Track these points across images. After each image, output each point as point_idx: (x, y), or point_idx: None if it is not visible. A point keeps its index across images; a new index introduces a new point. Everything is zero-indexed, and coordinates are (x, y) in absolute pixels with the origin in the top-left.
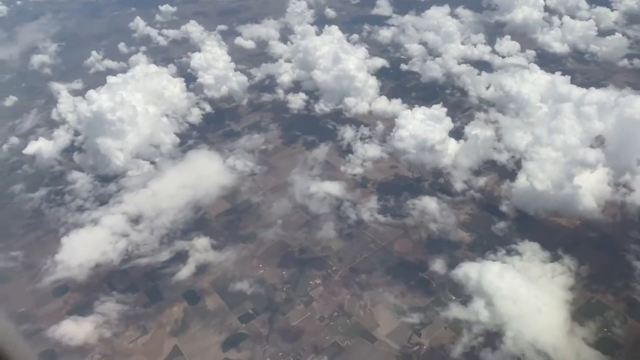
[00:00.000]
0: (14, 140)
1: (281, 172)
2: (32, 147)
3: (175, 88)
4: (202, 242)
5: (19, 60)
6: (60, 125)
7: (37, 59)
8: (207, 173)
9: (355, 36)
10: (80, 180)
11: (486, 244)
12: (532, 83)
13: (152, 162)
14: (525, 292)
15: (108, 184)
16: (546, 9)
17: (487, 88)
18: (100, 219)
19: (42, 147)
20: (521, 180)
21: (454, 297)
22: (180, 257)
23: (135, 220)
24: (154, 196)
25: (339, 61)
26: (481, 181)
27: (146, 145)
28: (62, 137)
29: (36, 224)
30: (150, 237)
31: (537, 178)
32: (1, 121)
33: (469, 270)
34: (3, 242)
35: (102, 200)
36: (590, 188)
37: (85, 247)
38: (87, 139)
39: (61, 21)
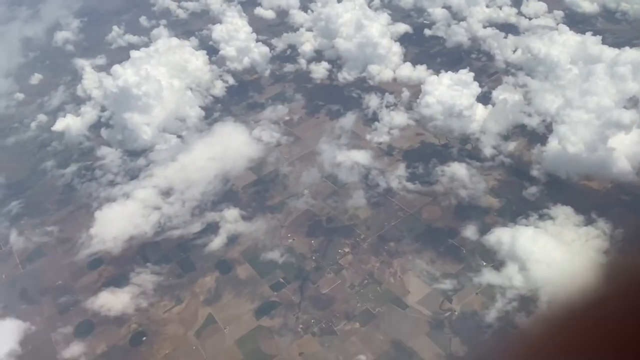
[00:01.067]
0: (42, 117)
1: (306, 142)
2: (60, 124)
3: (198, 61)
4: (232, 213)
5: (43, 38)
6: (86, 101)
7: (60, 36)
8: (234, 145)
9: (376, 2)
10: (110, 156)
11: (517, 209)
12: (561, 45)
13: (179, 136)
14: (559, 256)
15: (137, 158)
16: None
17: (514, 51)
18: (131, 193)
19: (70, 123)
20: (553, 144)
21: (485, 263)
22: (211, 228)
23: (166, 193)
24: (183, 169)
25: (362, 28)
26: (511, 146)
27: (172, 119)
28: (89, 113)
29: (69, 199)
30: (182, 209)
31: (570, 141)
32: (29, 99)
33: (502, 236)
34: (38, 218)
35: (133, 175)
36: (624, 150)
37: (118, 220)
38: (114, 114)
39: None
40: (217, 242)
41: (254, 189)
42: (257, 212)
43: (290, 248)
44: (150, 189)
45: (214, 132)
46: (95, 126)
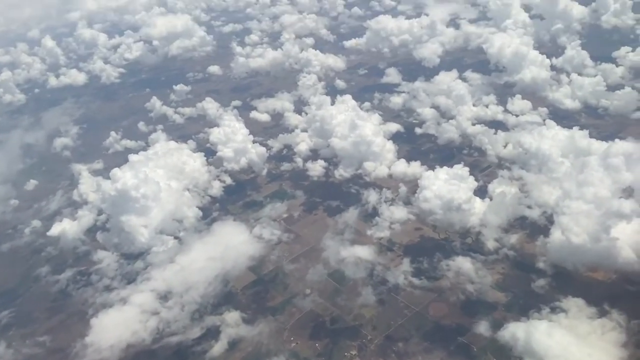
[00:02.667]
0: (37, 223)
1: (307, 239)
2: (56, 229)
3: (195, 162)
4: (232, 316)
5: (43, 144)
6: (82, 205)
7: (59, 142)
8: (233, 244)
9: (367, 104)
10: (106, 260)
11: (525, 303)
12: (550, 139)
13: (176, 237)
14: (577, 351)
15: (134, 261)
16: (553, 67)
17: (505, 146)
18: (129, 298)
19: (66, 228)
20: (556, 235)
21: None
22: (212, 333)
23: (165, 296)
24: (182, 271)
25: (355, 127)
26: (513, 239)
27: (169, 220)
28: (86, 217)
29: (62, 306)
30: (181, 313)
31: (573, 232)
32: (24, 205)
33: (516, 331)
34: (28, 328)
35: (130, 279)
36: (627, 240)
37: (115, 327)
38: (110, 218)
39: (82, 105)
40: (217, 348)
41: (254, 290)
42: (258, 315)
43: (294, 353)
44: (147, 293)
45: (213, 231)
46: (92, 230)
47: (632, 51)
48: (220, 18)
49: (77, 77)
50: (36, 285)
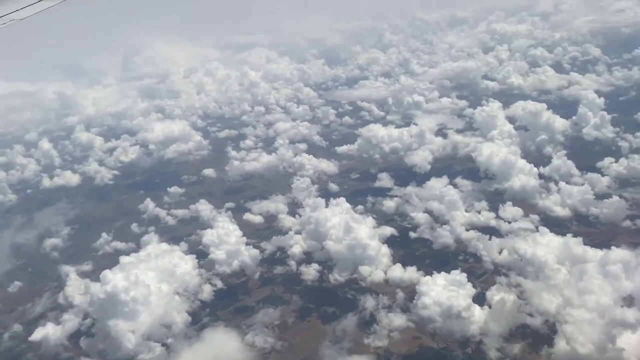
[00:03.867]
0: (18, 327)
1: (300, 348)
2: (38, 334)
3: (186, 265)
4: None
5: (33, 245)
6: (68, 308)
7: (48, 243)
8: (225, 352)
9: (360, 207)
10: None
11: None
12: (545, 246)
13: (164, 344)
14: None
15: None
16: (541, 176)
17: (500, 252)
18: None
19: (49, 333)
20: (560, 345)
21: None
22: None
23: None
24: None
25: (350, 230)
26: (515, 348)
27: (158, 325)
28: (71, 321)
29: None
30: None
31: (578, 342)
32: (6, 308)
33: None
34: None
35: None
36: (633, 350)
37: None
38: (97, 322)
39: (75, 206)
40: None
41: None
42: None
43: None
44: None
45: (203, 338)
46: (75, 335)
47: (616, 162)
48: (216, 124)
49: (70, 178)
50: None
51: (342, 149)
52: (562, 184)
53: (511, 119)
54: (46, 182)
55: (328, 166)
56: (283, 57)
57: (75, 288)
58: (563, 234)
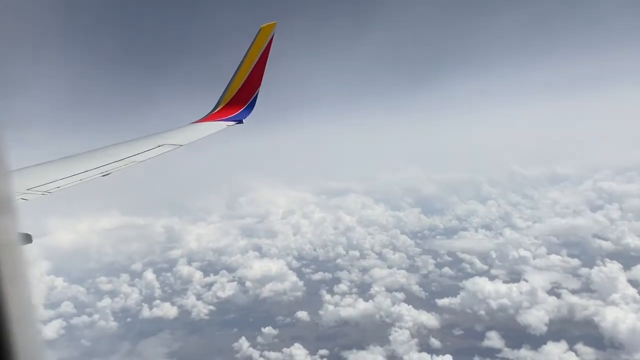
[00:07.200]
0: None
1: None
2: None
3: None
4: None
5: None
6: None
7: None
8: None
9: None
10: None
11: None
12: None
13: None
14: None
15: None
16: None
17: None
18: None
19: None
20: None
21: None
22: None
23: None
24: None
25: None
26: None
27: None
28: None
29: None
30: None
31: None
32: None
33: None
34: None
35: None
36: None
37: None
38: None
39: (175, 338)
40: None
41: None
42: None
43: None
44: None
45: None
46: None
47: None
48: (310, 266)
49: (169, 310)
50: None
51: (443, 301)
52: None
53: (633, 283)
54: (145, 312)
55: (428, 319)
56: (378, 204)
57: None
58: None
